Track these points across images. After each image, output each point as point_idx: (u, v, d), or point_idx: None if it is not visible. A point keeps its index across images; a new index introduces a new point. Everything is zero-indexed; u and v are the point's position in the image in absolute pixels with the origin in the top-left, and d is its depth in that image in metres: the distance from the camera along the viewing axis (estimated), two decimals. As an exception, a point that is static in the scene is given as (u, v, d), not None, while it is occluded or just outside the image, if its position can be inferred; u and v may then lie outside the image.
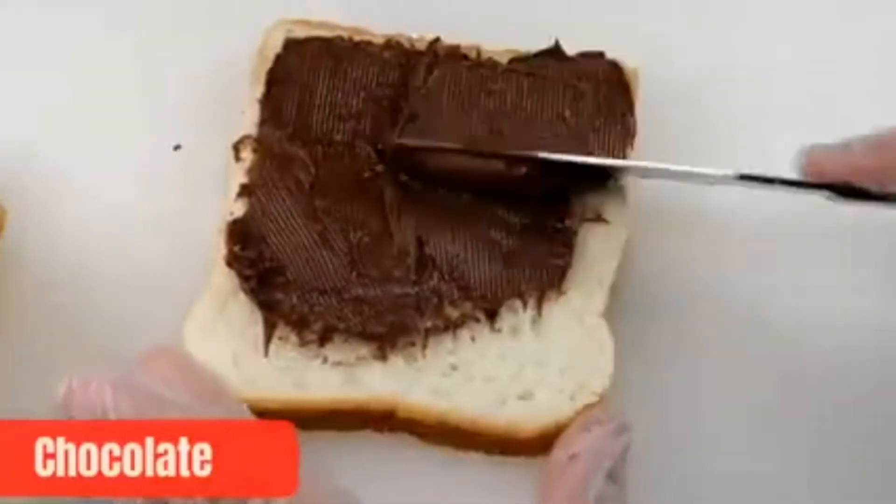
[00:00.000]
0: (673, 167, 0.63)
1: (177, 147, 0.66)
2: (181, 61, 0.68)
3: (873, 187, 0.58)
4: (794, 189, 0.60)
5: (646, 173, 0.64)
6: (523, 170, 0.62)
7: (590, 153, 0.63)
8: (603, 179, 0.63)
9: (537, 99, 0.65)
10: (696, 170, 0.62)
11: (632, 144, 0.65)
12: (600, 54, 0.67)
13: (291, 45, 0.66)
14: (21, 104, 0.67)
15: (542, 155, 0.62)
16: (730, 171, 0.61)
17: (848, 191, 0.59)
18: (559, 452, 0.57)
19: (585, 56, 0.67)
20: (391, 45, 0.67)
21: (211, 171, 0.64)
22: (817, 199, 0.60)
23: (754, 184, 0.61)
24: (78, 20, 0.69)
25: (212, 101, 0.67)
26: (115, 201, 0.65)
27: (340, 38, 0.67)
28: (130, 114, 0.67)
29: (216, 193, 0.63)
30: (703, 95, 0.69)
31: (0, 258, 0.62)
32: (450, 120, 0.64)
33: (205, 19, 0.70)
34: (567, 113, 0.65)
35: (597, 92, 0.65)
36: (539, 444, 0.58)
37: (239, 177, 0.63)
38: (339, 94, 0.65)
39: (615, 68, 0.66)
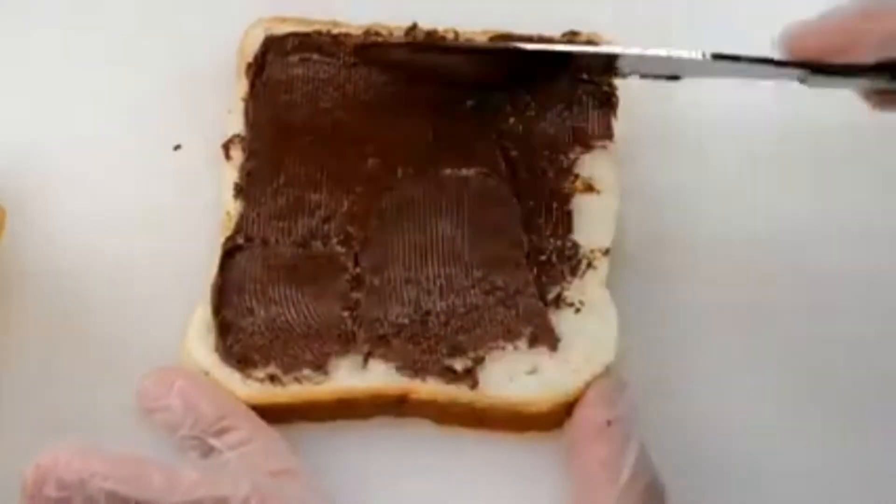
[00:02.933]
0: (648, 52, 0.62)
1: (177, 147, 0.66)
2: (180, 60, 0.68)
3: (854, 58, 0.57)
4: (769, 69, 0.59)
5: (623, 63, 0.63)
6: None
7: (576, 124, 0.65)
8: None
9: None
10: (669, 52, 0.62)
11: (614, 113, 0.66)
12: (576, 33, 0.68)
13: (270, 42, 0.67)
14: (21, 104, 0.67)
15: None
16: (699, 54, 0.61)
17: (822, 67, 0.58)
18: (592, 413, 0.57)
19: (563, 35, 0.68)
20: (369, 35, 0.67)
21: (210, 169, 0.64)
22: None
23: (728, 66, 0.60)
24: (77, 21, 0.70)
25: (210, 100, 0.66)
26: (114, 201, 0.65)
27: (318, 32, 0.67)
28: (129, 114, 0.67)
29: (215, 192, 0.63)
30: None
31: (-1, 257, 0.62)
32: None
33: (202, 17, 0.70)
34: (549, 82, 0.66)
35: (577, 66, 0.66)
36: (549, 418, 0.59)
37: (231, 176, 0.63)
38: (321, 86, 0.66)
39: (592, 44, 0.67)
